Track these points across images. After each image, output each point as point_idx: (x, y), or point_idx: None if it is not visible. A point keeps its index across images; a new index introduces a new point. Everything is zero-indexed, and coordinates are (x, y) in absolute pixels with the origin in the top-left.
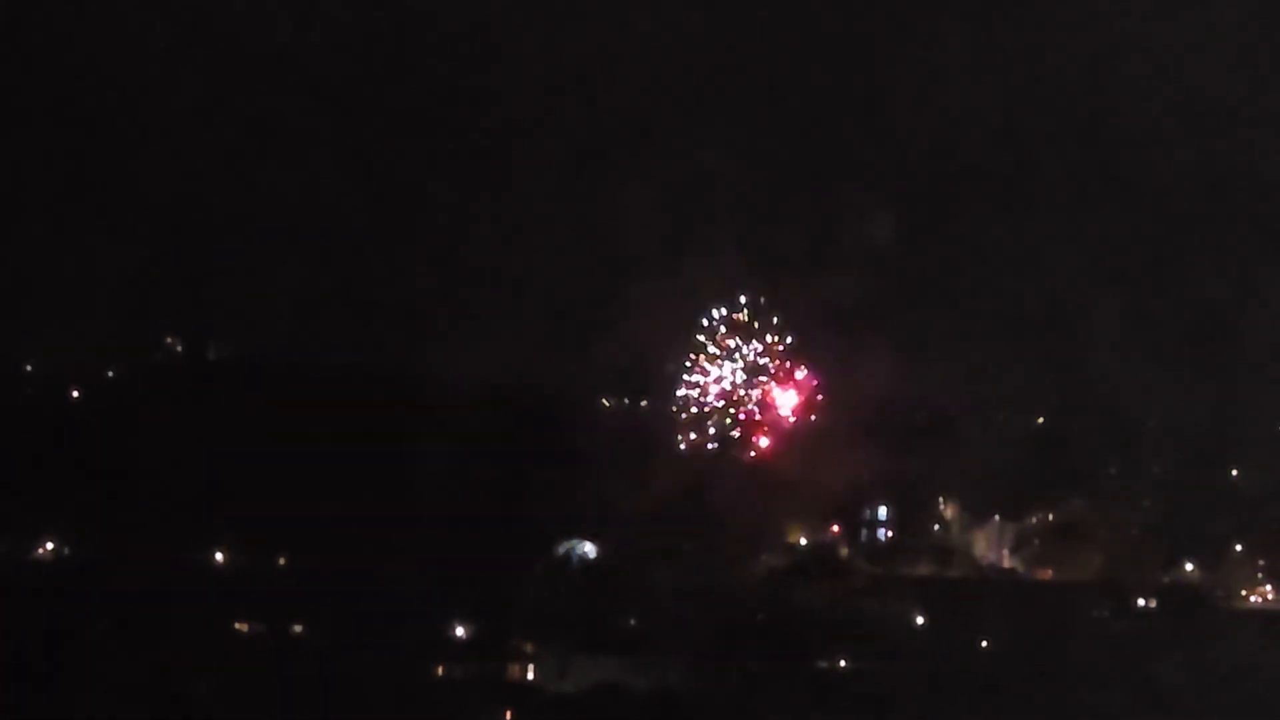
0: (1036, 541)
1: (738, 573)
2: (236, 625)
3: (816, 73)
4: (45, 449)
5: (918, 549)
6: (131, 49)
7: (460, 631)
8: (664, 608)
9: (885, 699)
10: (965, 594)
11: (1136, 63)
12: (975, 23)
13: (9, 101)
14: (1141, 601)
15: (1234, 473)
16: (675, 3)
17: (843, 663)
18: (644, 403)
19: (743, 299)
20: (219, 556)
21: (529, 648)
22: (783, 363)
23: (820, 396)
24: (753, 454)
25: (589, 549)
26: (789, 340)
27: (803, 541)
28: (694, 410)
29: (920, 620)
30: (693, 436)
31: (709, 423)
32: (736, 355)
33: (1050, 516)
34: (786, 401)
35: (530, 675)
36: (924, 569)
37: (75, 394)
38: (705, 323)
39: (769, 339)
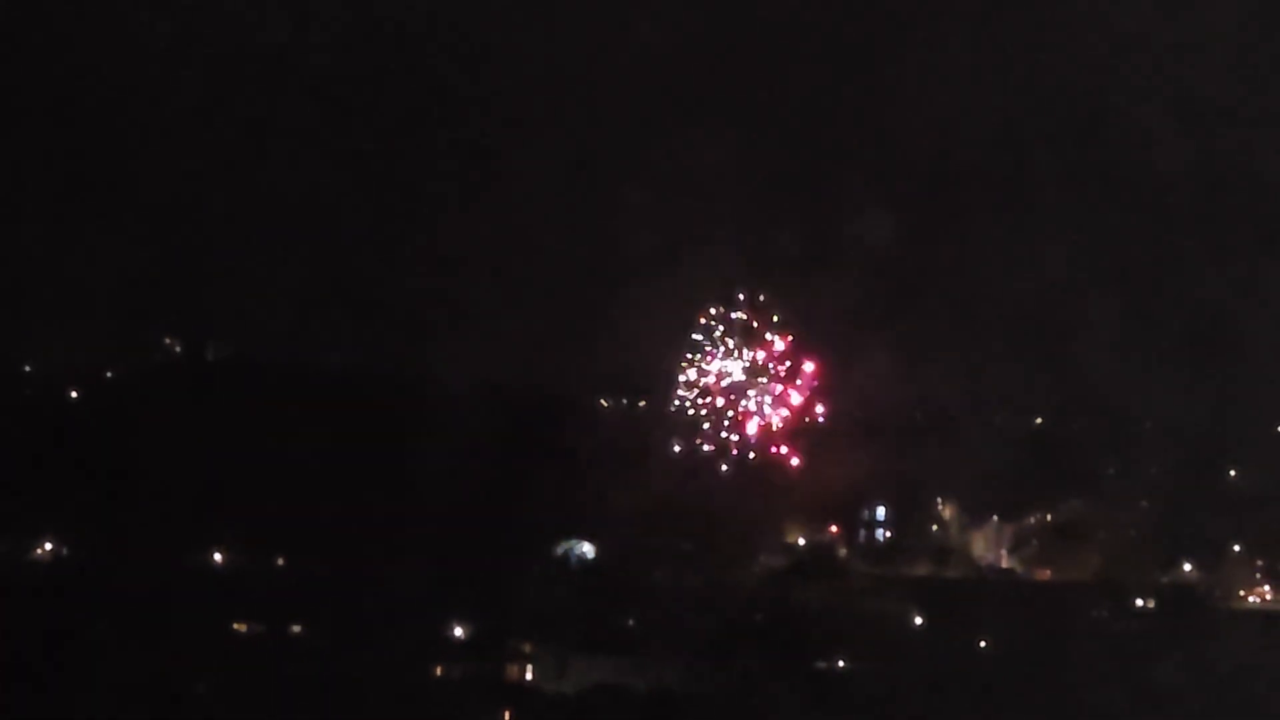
0: (1035, 542)
1: (736, 573)
2: (235, 625)
3: (814, 72)
4: (44, 449)
5: (916, 549)
6: (131, 50)
7: (459, 632)
8: (662, 608)
9: (884, 699)
10: (964, 594)
11: (1133, 62)
12: (974, 23)
13: (6, 102)
14: (1140, 602)
15: (1232, 473)
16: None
17: (841, 663)
18: (642, 403)
19: (741, 299)
20: (218, 557)
21: (527, 648)
22: (781, 363)
23: (818, 397)
24: (751, 454)
25: (587, 549)
26: (787, 341)
27: (801, 542)
28: (692, 411)
29: (919, 620)
30: (691, 437)
31: (707, 423)
32: (735, 355)
33: (1049, 517)
34: (785, 402)
35: (529, 676)
36: (922, 569)
37: (74, 394)
38: (703, 323)
39: (768, 339)
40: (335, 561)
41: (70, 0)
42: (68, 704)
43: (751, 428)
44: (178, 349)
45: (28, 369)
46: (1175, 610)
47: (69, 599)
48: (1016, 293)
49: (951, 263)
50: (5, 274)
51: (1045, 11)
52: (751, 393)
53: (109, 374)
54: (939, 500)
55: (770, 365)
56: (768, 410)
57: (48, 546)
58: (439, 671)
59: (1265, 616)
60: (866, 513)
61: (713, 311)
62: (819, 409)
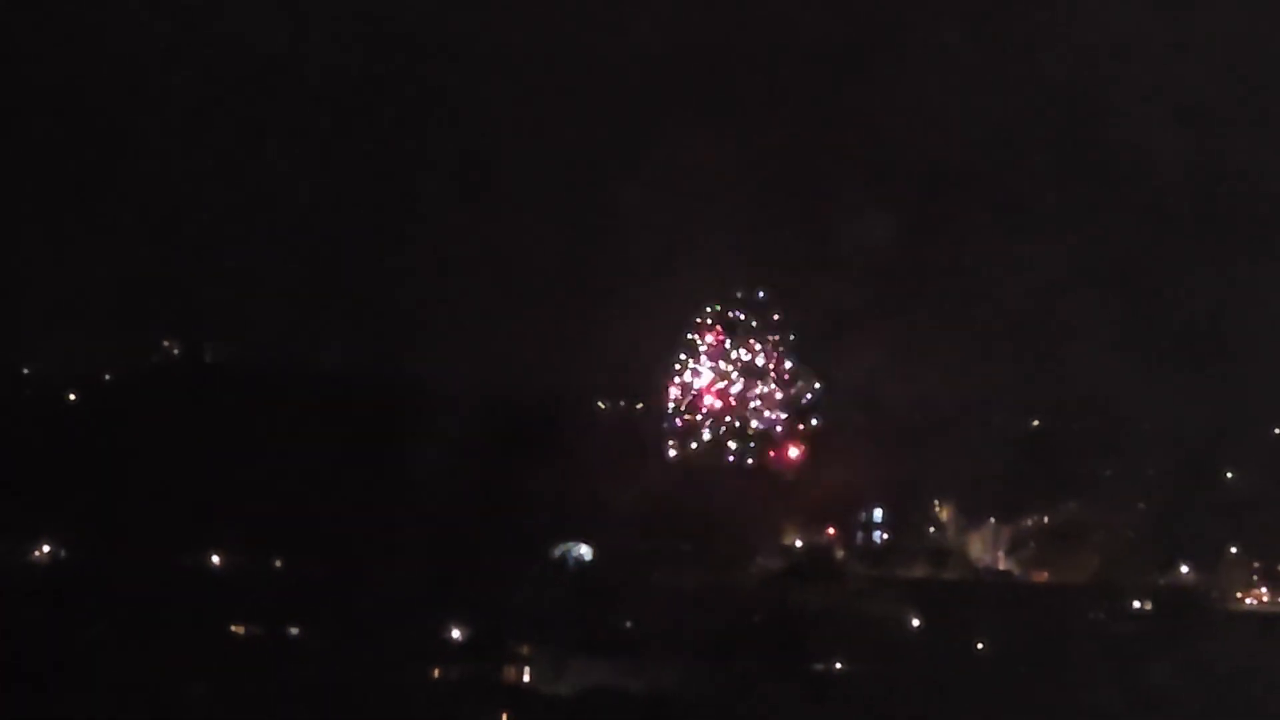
0: (1032, 544)
1: (734, 575)
2: (233, 627)
3: (812, 72)
4: (42, 451)
5: (913, 551)
6: (130, 52)
7: (456, 633)
8: (660, 610)
9: (881, 700)
10: (961, 596)
11: (1131, 63)
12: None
13: (3, 103)
14: (1137, 604)
15: (1230, 475)
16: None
17: (839, 664)
18: (640, 405)
19: (739, 300)
20: (215, 558)
21: (525, 650)
22: (779, 364)
23: (815, 398)
24: (748, 456)
25: (585, 551)
26: (785, 342)
27: (798, 544)
28: (690, 412)
29: (916, 622)
30: (688, 438)
31: (705, 424)
32: (732, 357)
33: (1046, 519)
34: (782, 403)
35: (526, 677)
36: (920, 571)
37: (72, 396)
38: (701, 324)
39: (766, 340)
40: (333, 563)
41: (69, 1)
42: (65, 705)
43: (749, 429)
44: (176, 351)
45: (26, 371)
46: (1173, 612)
47: (67, 600)
48: (1014, 294)
49: (948, 264)
50: (3, 276)
51: (1044, 12)
52: (749, 394)
53: (107, 376)
54: (936, 502)
55: (767, 367)
56: (765, 412)
57: (45, 548)
58: (436, 673)
59: (1263, 618)
60: (864, 515)
61: (710, 313)
62: (816, 411)
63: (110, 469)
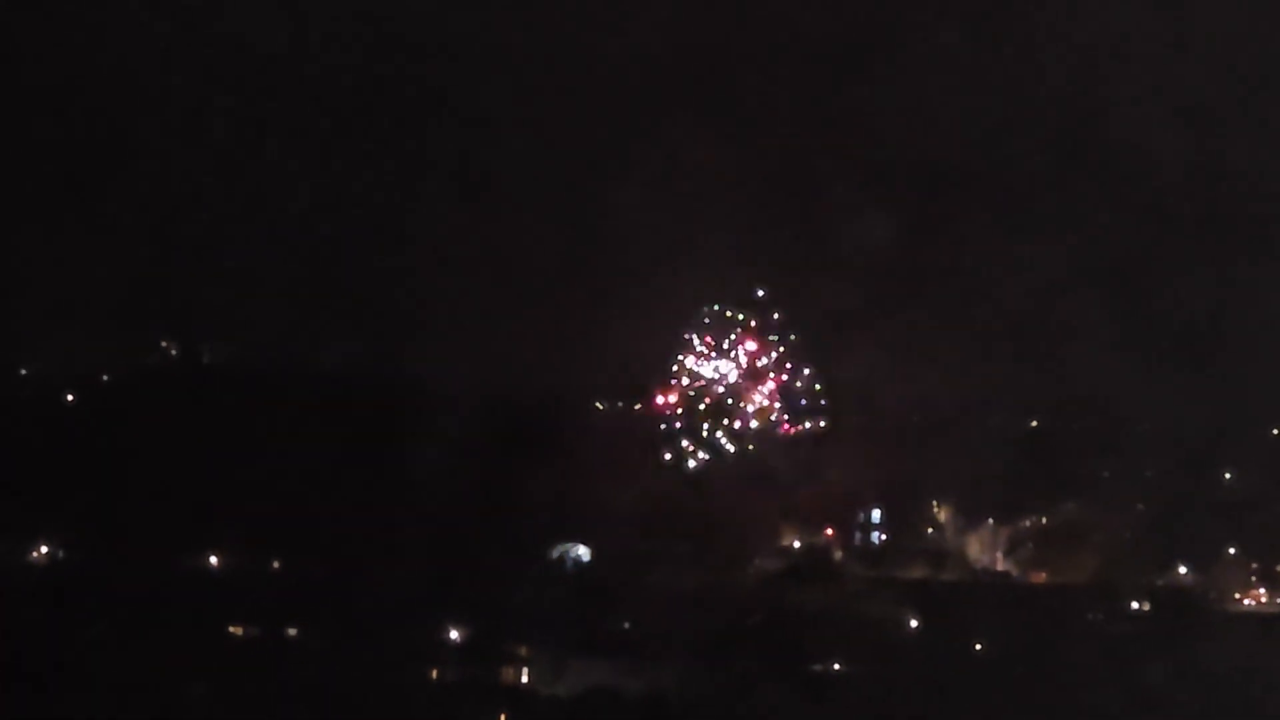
0: (1030, 544)
1: (732, 576)
2: (231, 628)
3: (810, 72)
4: (40, 452)
5: (911, 552)
6: (129, 52)
7: (454, 635)
8: (658, 611)
9: (880, 701)
10: (959, 597)
11: (1129, 64)
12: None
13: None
14: (1135, 604)
15: (1228, 476)
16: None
17: (837, 665)
18: (638, 406)
19: (737, 300)
20: (213, 559)
21: (523, 651)
22: (777, 364)
23: (813, 399)
24: (746, 457)
25: (583, 552)
26: (784, 342)
27: (796, 545)
28: (688, 412)
29: (914, 623)
30: (686, 439)
31: (702, 425)
32: (730, 357)
33: (1044, 520)
34: (779, 404)
35: (524, 678)
36: (918, 572)
37: (70, 397)
38: (700, 324)
39: (765, 340)
40: (331, 564)
41: (66, 2)
42: (64, 705)
43: (747, 430)
44: (174, 352)
45: (24, 372)
46: (1171, 613)
47: (65, 601)
48: (1012, 294)
49: (946, 264)
50: (1, 276)
51: (1044, 12)
52: (747, 395)
53: (105, 377)
54: (934, 503)
55: (766, 367)
56: (763, 413)
57: (44, 549)
58: (434, 674)
59: (1261, 619)
60: (862, 515)
61: (708, 313)
62: (814, 411)
63: (108, 470)
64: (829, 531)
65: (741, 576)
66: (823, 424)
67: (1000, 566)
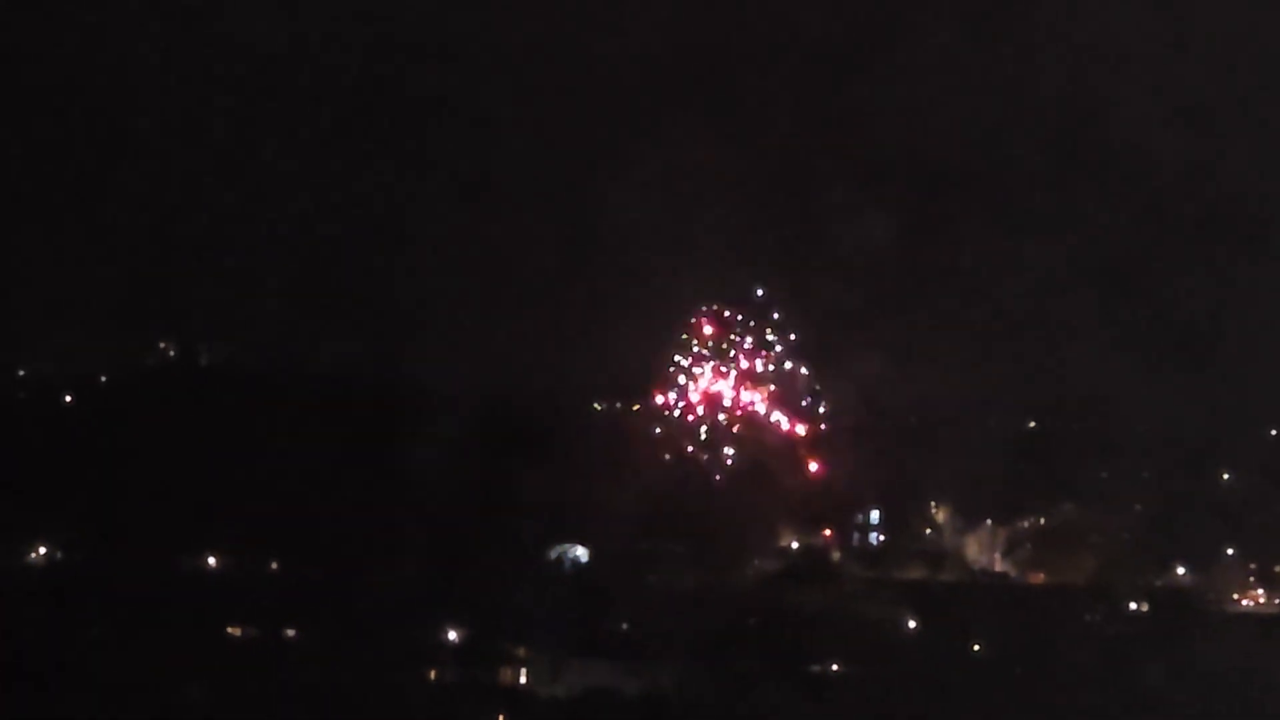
0: (1028, 545)
1: (730, 577)
2: (229, 629)
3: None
4: (38, 453)
5: (909, 553)
6: (128, 53)
7: (452, 636)
8: (656, 612)
9: (878, 701)
10: (957, 598)
11: (1126, 64)
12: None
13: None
14: (1133, 605)
15: (1225, 476)
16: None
17: (835, 666)
18: (636, 407)
19: (735, 301)
20: (211, 560)
21: (521, 652)
22: (775, 365)
23: (811, 400)
24: (744, 457)
25: (581, 553)
26: (782, 342)
27: (794, 545)
28: (686, 413)
29: (912, 624)
30: (684, 439)
31: (701, 425)
32: (727, 358)
33: (1042, 520)
34: (777, 405)
35: (523, 679)
36: (916, 573)
37: (68, 398)
38: (698, 324)
39: (763, 340)
40: (329, 565)
41: (67, 3)
42: (62, 706)
43: (746, 430)
44: (172, 353)
45: (22, 373)
46: (1169, 613)
47: (62, 603)
48: (1009, 295)
49: (944, 265)
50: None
51: (1043, 13)
52: (745, 395)
53: (103, 378)
54: (932, 504)
55: (764, 368)
56: (762, 414)
57: (42, 550)
58: (433, 675)
59: (1258, 620)
60: (860, 516)
61: (706, 314)
62: (812, 412)
63: (107, 470)
64: (827, 532)
65: (740, 577)
66: (821, 425)
67: (998, 567)
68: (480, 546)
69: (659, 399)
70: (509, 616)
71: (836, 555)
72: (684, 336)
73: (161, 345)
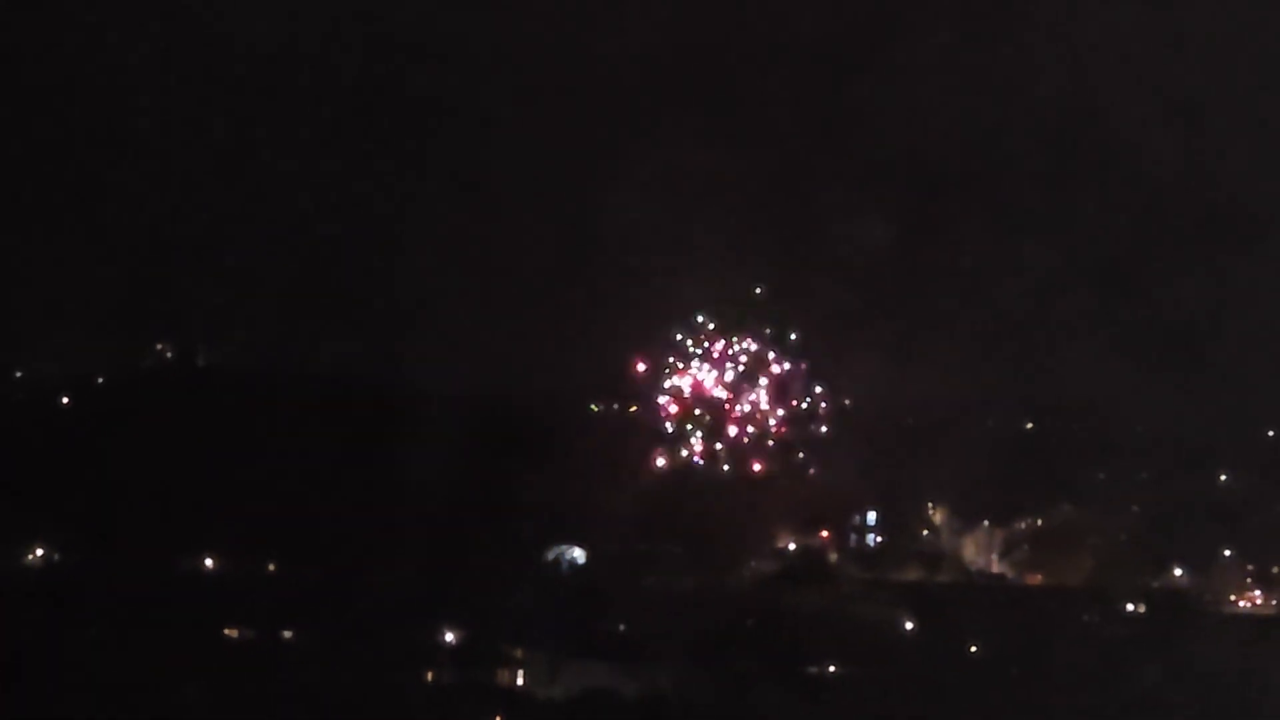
0: (1026, 547)
1: (727, 578)
2: (226, 631)
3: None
4: (35, 455)
5: (907, 554)
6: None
7: (450, 637)
8: (654, 613)
9: (875, 703)
10: (954, 599)
11: (1122, 65)
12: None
13: None
14: (1130, 606)
15: (1223, 478)
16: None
17: (832, 668)
18: (633, 408)
19: (733, 302)
20: (209, 562)
21: (518, 653)
22: (772, 367)
23: (809, 401)
24: (742, 459)
25: (578, 554)
26: (780, 343)
27: (792, 547)
28: (683, 414)
29: (909, 625)
30: (682, 441)
31: (698, 427)
32: (725, 359)
33: (1039, 522)
34: (775, 406)
35: (520, 681)
36: (913, 574)
37: (65, 400)
38: (696, 325)
39: (761, 341)
40: (326, 566)
41: (65, 4)
42: (59, 708)
43: (744, 432)
44: (169, 354)
45: (19, 374)
46: (1166, 615)
47: (61, 604)
48: (1006, 296)
49: (942, 266)
50: None
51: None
52: (743, 396)
53: (100, 379)
54: (930, 505)
55: (762, 369)
56: (759, 415)
57: (39, 552)
58: (430, 677)
59: (1256, 621)
60: (857, 518)
61: (704, 315)
62: (809, 413)
63: (104, 472)
64: (824, 533)
65: (737, 578)
66: (819, 425)
67: (995, 568)
68: (478, 547)
69: (657, 400)
70: (506, 618)
71: (834, 556)
72: (682, 337)
73: (159, 346)
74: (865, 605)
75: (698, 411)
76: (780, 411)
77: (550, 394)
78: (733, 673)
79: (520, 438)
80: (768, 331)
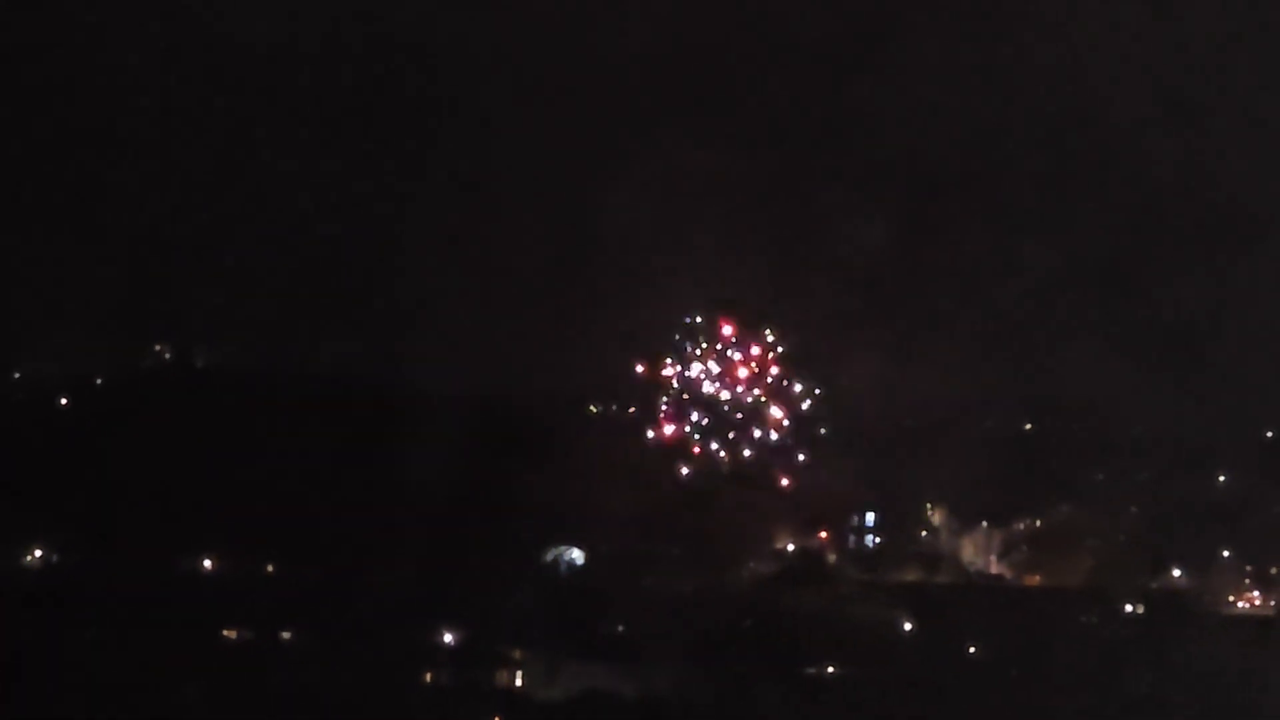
0: (1024, 547)
1: (726, 579)
2: (225, 632)
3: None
4: (34, 456)
5: (905, 555)
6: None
7: (448, 638)
8: (652, 614)
9: (873, 704)
10: (953, 600)
11: (1120, 66)
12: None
13: None
14: (1129, 607)
15: (1221, 479)
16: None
17: (831, 668)
18: (632, 409)
19: (732, 303)
20: (207, 563)
21: (517, 654)
22: (770, 368)
23: (808, 402)
24: (740, 459)
25: (577, 555)
26: (778, 344)
27: (790, 548)
28: (682, 415)
29: (908, 626)
30: (680, 442)
31: (697, 429)
32: (723, 361)
33: (1038, 522)
34: (774, 407)
35: (519, 682)
36: (912, 575)
37: (64, 401)
38: (694, 327)
39: (760, 343)
40: (325, 567)
41: (65, 4)
42: (58, 708)
43: (741, 433)
44: (168, 355)
45: (18, 375)
46: (1164, 616)
47: (60, 604)
48: (1004, 297)
49: (939, 268)
50: None
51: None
52: (741, 398)
53: (99, 380)
54: (928, 506)
55: (761, 370)
56: (758, 416)
57: (38, 553)
58: (429, 678)
59: (1254, 622)
60: (856, 519)
61: (703, 315)
62: (809, 414)
63: (103, 473)
64: (823, 535)
65: (736, 579)
66: (816, 427)
67: (994, 569)
68: (477, 548)
69: (655, 401)
70: (505, 619)
71: (832, 557)
72: (681, 339)
73: (158, 347)
74: (864, 606)
75: (696, 412)
76: (780, 412)
77: (550, 394)
78: (732, 673)
79: (520, 438)
80: (767, 332)
